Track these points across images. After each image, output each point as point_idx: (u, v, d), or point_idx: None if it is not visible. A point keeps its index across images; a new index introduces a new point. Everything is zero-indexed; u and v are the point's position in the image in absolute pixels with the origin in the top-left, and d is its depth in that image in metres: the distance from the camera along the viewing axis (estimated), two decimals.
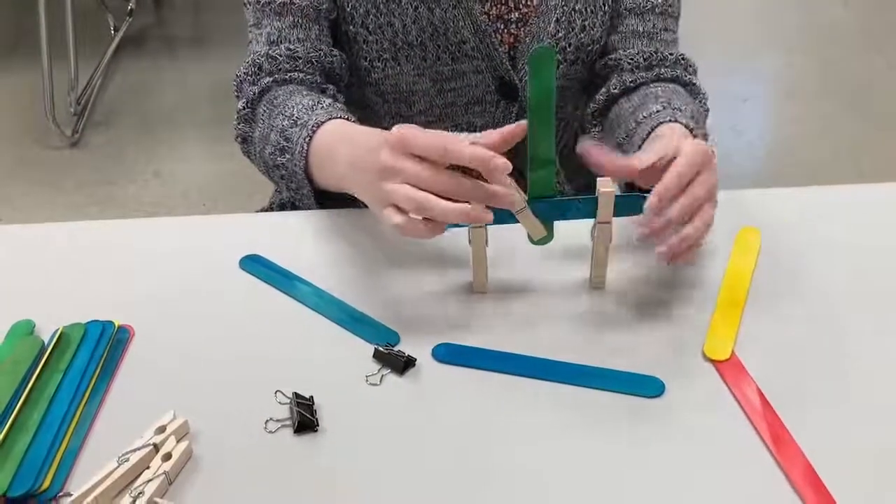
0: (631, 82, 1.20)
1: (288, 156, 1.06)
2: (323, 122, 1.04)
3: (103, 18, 3.20)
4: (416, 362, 0.91)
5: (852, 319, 0.96)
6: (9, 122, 2.87)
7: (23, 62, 2.99)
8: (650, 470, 0.81)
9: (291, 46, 1.15)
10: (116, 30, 3.20)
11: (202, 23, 3.44)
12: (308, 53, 1.16)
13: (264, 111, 1.13)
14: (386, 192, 0.90)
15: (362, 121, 1.15)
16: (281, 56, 1.15)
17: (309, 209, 1.10)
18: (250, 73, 1.16)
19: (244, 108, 1.16)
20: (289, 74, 1.15)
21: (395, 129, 0.90)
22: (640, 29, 1.22)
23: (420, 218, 0.89)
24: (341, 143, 1.01)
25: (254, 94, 1.15)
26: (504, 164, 0.87)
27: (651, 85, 1.19)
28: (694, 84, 1.22)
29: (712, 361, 0.91)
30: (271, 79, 1.15)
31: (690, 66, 1.23)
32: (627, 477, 0.81)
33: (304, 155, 1.04)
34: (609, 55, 1.23)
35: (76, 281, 1.02)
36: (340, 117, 1.06)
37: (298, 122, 1.06)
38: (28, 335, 0.94)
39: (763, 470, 0.81)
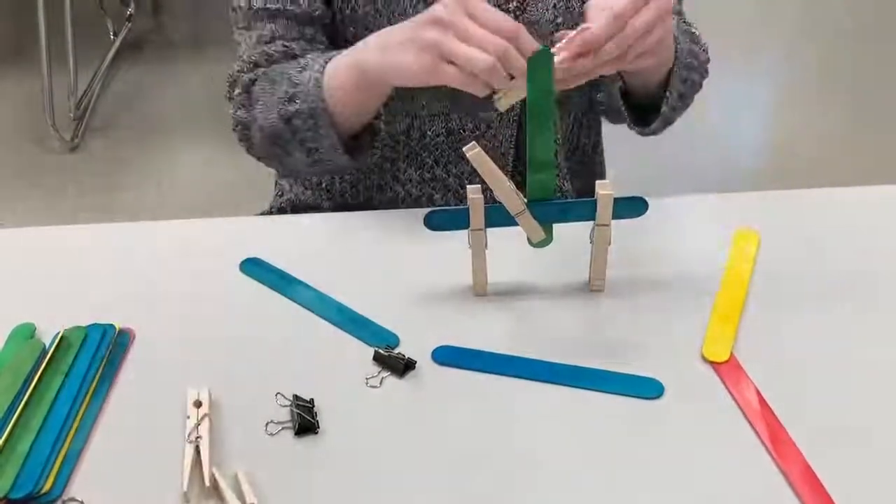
0: None
1: (300, 100, 1.06)
2: (333, 57, 1.05)
3: (102, 24, 3.20)
4: (416, 364, 0.91)
5: (851, 321, 0.96)
6: (9, 127, 2.87)
7: (22, 67, 2.99)
8: (649, 471, 0.82)
9: (287, 44, 1.14)
10: (115, 35, 3.21)
11: (201, 28, 3.44)
12: (304, 50, 1.14)
13: (261, 88, 1.12)
14: (434, 42, 0.94)
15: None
16: (277, 52, 1.14)
17: (333, 167, 1.11)
18: (245, 70, 1.15)
19: (240, 94, 1.14)
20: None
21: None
22: None
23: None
24: (370, 38, 1.03)
25: (249, 80, 1.13)
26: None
27: None
28: (693, 32, 1.21)
29: (711, 363, 0.91)
30: (265, 68, 1.13)
31: (692, 24, 1.23)
32: (626, 478, 0.81)
33: (319, 85, 1.04)
34: None
35: (77, 284, 1.02)
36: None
37: (306, 67, 1.06)
38: (29, 338, 0.94)
39: (762, 471, 0.81)
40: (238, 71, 1.16)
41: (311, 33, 1.16)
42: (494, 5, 1.17)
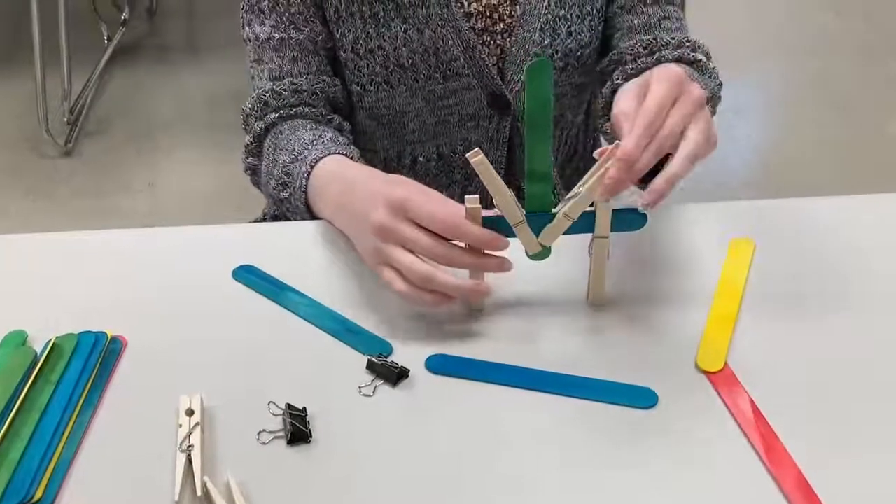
0: (632, 70, 1.17)
1: (290, 190, 1.08)
2: (321, 158, 1.06)
3: (97, 27, 3.20)
4: (410, 373, 0.91)
5: (846, 330, 0.96)
6: (2, 131, 2.86)
7: (16, 71, 2.98)
8: (643, 481, 0.81)
9: (295, 81, 1.17)
10: (110, 39, 3.20)
11: (196, 32, 3.44)
12: (312, 86, 1.18)
13: (269, 146, 1.16)
14: (384, 255, 0.93)
15: (357, 146, 1.16)
16: (285, 91, 1.17)
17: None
18: (256, 108, 1.18)
19: (251, 143, 1.19)
20: (294, 109, 1.17)
21: (395, 185, 0.94)
22: (636, 23, 1.21)
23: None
24: (333, 182, 1.04)
25: (260, 129, 1.17)
26: (506, 245, 0.91)
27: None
28: (699, 60, 1.18)
29: (705, 372, 0.91)
30: (277, 114, 1.17)
31: (698, 46, 1.20)
32: (621, 488, 0.81)
33: (304, 190, 1.06)
34: (612, 52, 1.23)
35: (69, 291, 1.02)
36: (340, 153, 1.07)
37: (299, 158, 1.08)
38: (20, 346, 0.94)
39: (755, 480, 0.81)
40: (250, 108, 1.19)
41: (316, 64, 1.19)
42: (482, 30, 1.18)
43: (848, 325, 0.97)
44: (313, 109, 1.18)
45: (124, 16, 3.30)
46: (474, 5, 1.18)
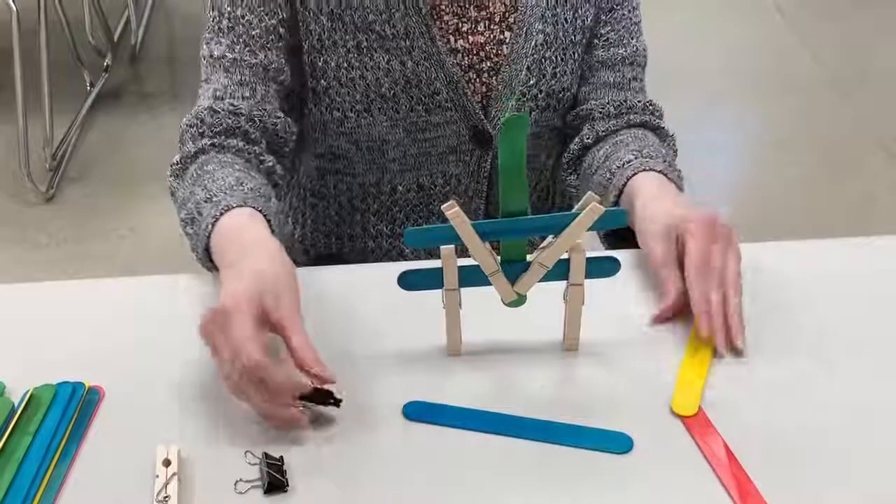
0: (602, 131, 1.23)
1: (194, 228, 1.05)
2: (232, 208, 1.02)
3: (79, 74, 3.21)
4: (385, 420, 0.91)
5: (819, 374, 0.97)
6: None
7: None
8: None
9: (235, 103, 1.15)
10: (92, 85, 3.21)
11: (178, 78, 3.45)
12: (251, 111, 1.15)
13: (192, 174, 1.11)
14: (214, 338, 0.89)
15: (338, 171, 1.16)
16: (223, 111, 1.14)
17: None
18: (193, 125, 1.15)
19: (177, 164, 1.14)
20: (228, 140, 1.13)
21: (250, 289, 0.91)
22: (611, 80, 1.24)
23: None
24: (231, 243, 1.00)
25: (189, 152, 1.13)
26: (295, 391, 0.88)
27: (621, 132, 1.23)
28: (662, 128, 1.26)
29: (680, 417, 0.92)
30: (210, 141, 1.13)
31: (657, 110, 1.27)
32: None
33: (207, 234, 1.02)
34: (581, 106, 1.25)
35: (47, 341, 1.02)
36: (254, 207, 1.03)
37: (212, 200, 1.04)
38: None
39: None
40: (187, 125, 1.16)
41: (262, 93, 1.16)
42: (468, 66, 1.19)
43: (820, 368, 0.98)
44: (247, 145, 1.14)
45: (106, 62, 3.32)
46: (461, 42, 1.19)
